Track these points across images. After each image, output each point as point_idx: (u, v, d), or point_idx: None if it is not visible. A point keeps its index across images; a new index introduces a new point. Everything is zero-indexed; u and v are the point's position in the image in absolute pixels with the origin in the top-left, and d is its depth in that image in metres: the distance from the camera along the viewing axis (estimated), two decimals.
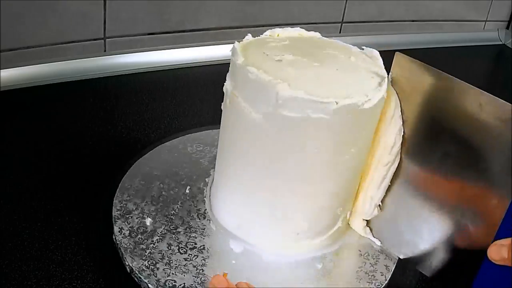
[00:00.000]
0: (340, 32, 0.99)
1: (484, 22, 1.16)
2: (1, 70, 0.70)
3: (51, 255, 0.48)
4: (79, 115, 0.68)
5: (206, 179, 0.55)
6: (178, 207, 0.52)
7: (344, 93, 0.42)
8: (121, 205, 0.51)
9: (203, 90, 0.78)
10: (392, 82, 0.47)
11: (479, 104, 0.42)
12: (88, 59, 0.77)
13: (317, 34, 0.52)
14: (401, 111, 0.47)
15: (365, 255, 0.49)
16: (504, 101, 0.41)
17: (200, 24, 0.85)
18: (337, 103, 0.41)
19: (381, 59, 0.48)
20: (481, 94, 0.42)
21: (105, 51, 0.79)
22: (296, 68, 0.45)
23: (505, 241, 0.40)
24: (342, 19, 0.98)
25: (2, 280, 0.45)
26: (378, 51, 0.49)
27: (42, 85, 0.72)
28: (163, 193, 0.53)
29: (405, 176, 0.48)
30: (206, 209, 0.52)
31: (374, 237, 0.51)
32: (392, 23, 1.04)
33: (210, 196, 0.53)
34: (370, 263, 0.49)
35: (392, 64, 0.48)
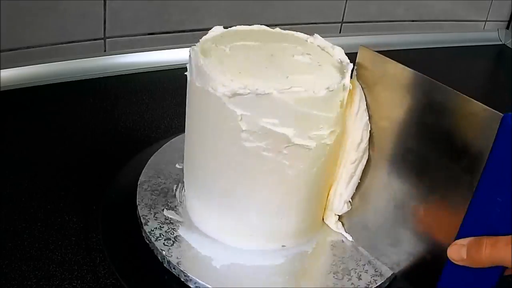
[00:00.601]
0: (340, 32, 0.99)
1: (484, 22, 1.16)
2: (1, 70, 0.70)
3: (51, 255, 0.48)
4: (79, 115, 0.68)
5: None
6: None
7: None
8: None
9: None
10: (357, 76, 0.47)
11: (441, 98, 0.41)
12: (88, 59, 0.77)
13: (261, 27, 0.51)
14: (367, 105, 0.47)
15: (339, 253, 0.49)
16: (463, 95, 0.40)
17: (200, 24, 0.85)
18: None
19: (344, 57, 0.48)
20: (442, 88, 0.41)
21: (105, 51, 0.79)
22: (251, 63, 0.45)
23: (465, 241, 0.39)
24: (342, 19, 0.98)
25: (2, 280, 0.45)
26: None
27: (42, 85, 0.72)
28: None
29: (371, 172, 0.48)
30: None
31: (346, 232, 0.51)
32: (392, 23, 1.04)
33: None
34: (342, 261, 0.48)
35: (356, 58, 0.47)
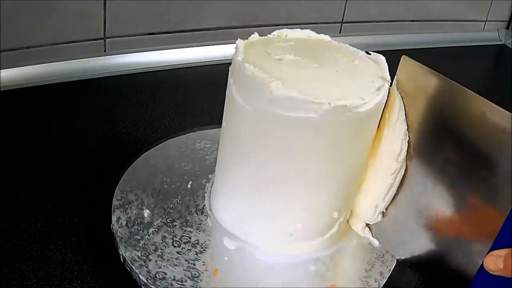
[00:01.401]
0: (340, 32, 0.99)
1: (484, 22, 1.16)
2: (1, 70, 0.70)
3: (51, 255, 0.48)
4: (79, 115, 0.68)
5: (209, 175, 0.55)
6: (178, 201, 0.52)
7: (339, 95, 0.42)
8: (122, 195, 0.52)
9: (203, 90, 0.78)
10: (397, 85, 0.47)
11: (482, 112, 0.41)
12: (88, 59, 0.77)
13: (326, 37, 0.51)
14: (405, 115, 0.47)
15: (359, 260, 0.49)
16: (506, 111, 0.40)
17: (200, 24, 0.85)
18: (329, 104, 0.41)
19: (386, 65, 0.48)
20: (484, 102, 0.41)
21: (105, 51, 0.79)
22: (294, 68, 0.44)
23: (502, 252, 0.39)
24: (342, 19, 0.98)
25: (2, 280, 0.45)
26: (378, 51, 0.49)
27: (42, 85, 0.72)
28: (164, 186, 0.54)
29: (406, 181, 0.48)
30: (204, 205, 0.52)
31: (373, 237, 0.51)
32: (392, 23, 1.04)
33: (210, 192, 0.54)
34: (364, 269, 0.48)
35: (398, 67, 0.47)
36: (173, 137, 0.62)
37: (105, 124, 0.67)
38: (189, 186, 0.54)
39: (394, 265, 0.49)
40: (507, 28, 1.18)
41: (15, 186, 0.55)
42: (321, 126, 0.42)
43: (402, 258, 0.49)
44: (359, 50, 0.50)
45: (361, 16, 1.00)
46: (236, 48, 0.46)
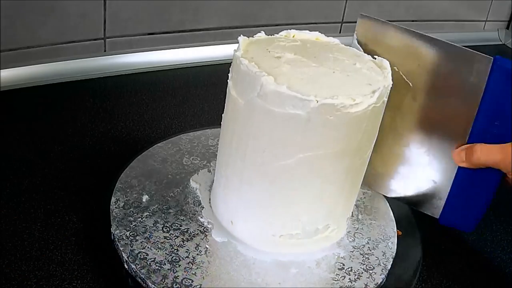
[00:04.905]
0: (340, 32, 0.99)
1: (484, 22, 1.16)
2: (1, 70, 0.70)
3: (51, 255, 0.48)
4: (79, 115, 0.68)
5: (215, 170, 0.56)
6: (179, 191, 0.53)
7: (329, 94, 0.42)
8: (126, 179, 0.53)
9: (203, 90, 0.78)
10: (358, 43, 0.51)
11: (443, 54, 0.48)
12: (88, 59, 0.77)
13: (335, 40, 0.51)
14: None
15: (347, 269, 0.47)
16: (462, 46, 0.47)
17: (200, 24, 0.85)
18: (317, 102, 0.41)
19: (389, 69, 0.47)
20: (444, 44, 0.48)
21: (105, 51, 0.79)
22: (291, 65, 0.44)
23: (463, 147, 0.47)
24: (342, 19, 0.98)
25: (2, 280, 0.45)
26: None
27: (42, 85, 0.72)
28: (169, 176, 0.55)
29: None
30: (203, 197, 0.53)
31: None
32: (392, 23, 1.04)
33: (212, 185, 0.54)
34: (349, 279, 0.46)
35: (356, 26, 0.52)
36: (188, 132, 0.63)
37: (105, 124, 0.67)
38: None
39: (383, 280, 0.47)
40: (507, 28, 1.18)
41: (15, 186, 0.55)
42: (309, 124, 0.42)
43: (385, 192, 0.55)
44: (366, 55, 0.50)
45: None
46: (238, 44, 0.46)
